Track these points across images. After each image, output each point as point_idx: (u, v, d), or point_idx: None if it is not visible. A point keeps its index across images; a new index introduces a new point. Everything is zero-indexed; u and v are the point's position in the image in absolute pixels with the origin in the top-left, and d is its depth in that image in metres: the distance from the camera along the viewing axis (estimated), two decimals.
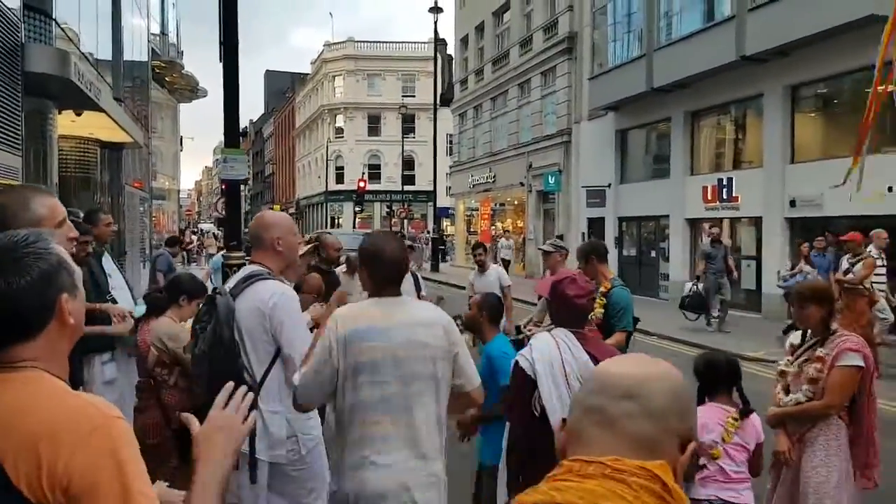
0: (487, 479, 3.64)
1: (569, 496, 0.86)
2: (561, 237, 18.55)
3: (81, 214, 5.28)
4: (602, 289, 4.62)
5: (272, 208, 69.97)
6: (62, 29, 8.86)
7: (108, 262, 5.05)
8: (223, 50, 6.06)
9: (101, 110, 9.30)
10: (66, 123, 9.84)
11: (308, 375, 2.48)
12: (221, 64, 6.19)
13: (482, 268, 7.40)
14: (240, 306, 2.82)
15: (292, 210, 62.20)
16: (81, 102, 8.79)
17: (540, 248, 6.22)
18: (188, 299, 4.12)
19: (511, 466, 2.90)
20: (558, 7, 22.07)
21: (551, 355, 2.79)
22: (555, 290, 2.97)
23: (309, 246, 5.71)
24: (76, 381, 4.27)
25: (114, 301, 4.91)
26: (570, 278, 3.00)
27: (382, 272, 2.52)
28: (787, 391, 3.35)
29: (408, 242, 7.23)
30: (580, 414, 1.00)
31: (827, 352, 3.20)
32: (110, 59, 12.55)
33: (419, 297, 6.55)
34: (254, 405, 2.75)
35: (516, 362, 2.90)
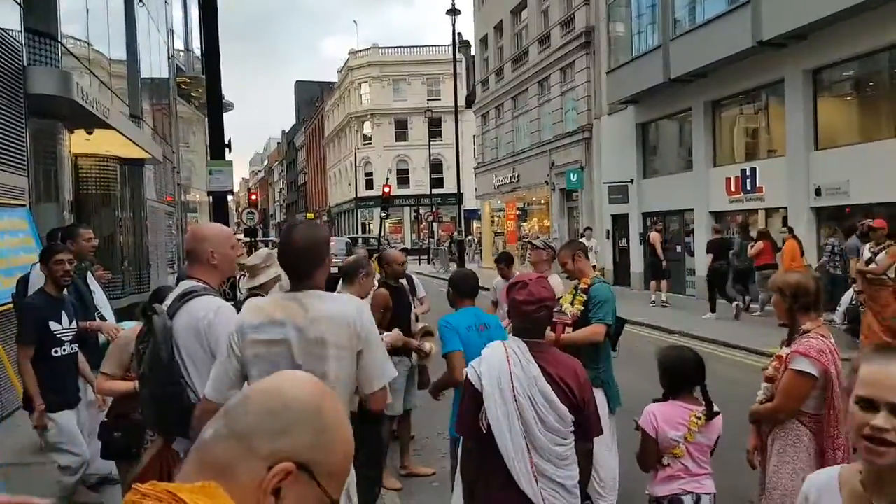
0: (454, 450, 3.65)
1: None
2: (589, 229, 18.32)
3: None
4: (582, 285, 4.52)
5: (306, 216, 71.00)
6: (69, 51, 9.08)
7: (91, 279, 5.12)
8: (204, 61, 6.13)
9: (112, 128, 9.50)
10: (82, 143, 10.10)
11: (215, 367, 2.45)
12: (204, 76, 6.26)
13: (506, 278, 6.79)
14: (177, 325, 2.76)
15: (324, 217, 62.93)
16: (90, 121, 8.99)
17: (529, 242, 6.07)
18: None
19: (464, 480, 2.80)
20: (574, 1, 21.83)
21: (500, 369, 2.63)
22: (508, 294, 2.82)
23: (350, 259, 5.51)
24: (72, 399, 4.35)
25: (102, 318, 4.99)
26: (522, 282, 2.78)
27: (288, 266, 2.46)
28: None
29: (399, 246, 7.05)
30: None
31: (788, 351, 3.00)
32: (125, 78, 12.83)
33: (415, 299, 6.49)
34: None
35: (466, 375, 2.78)
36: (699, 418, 2.98)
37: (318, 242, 2.52)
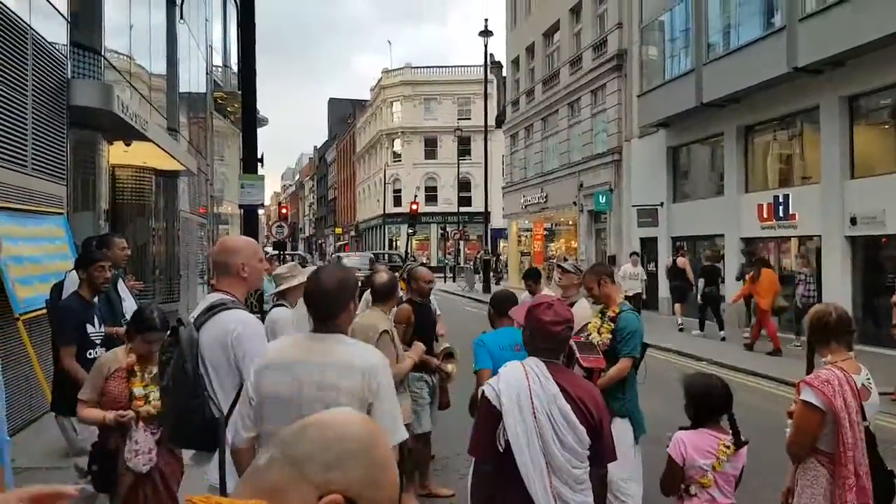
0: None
1: None
2: (635, 254, 18.13)
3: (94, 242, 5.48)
4: (610, 313, 4.46)
5: (335, 231, 71.27)
6: (112, 64, 9.35)
7: (122, 287, 5.23)
8: (240, 78, 6.26)
9: (149, 140, 9.73)
10: (120, 154, 10.35)
11: (238, 408, 2.45)
12: (240, 92, 6.39)
13: (533, 294, 6.82)
14: (203, 338, 2.76)
15: (352, 233, 63.38)
16: (129, 133, 9.22)
17: (559, 266, 6.01)
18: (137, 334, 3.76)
19: (476, 503, 2.77)
20: (607, 25, 21.87)
21: (519, 386, 2.62)
22: (530, 315, 2.80)
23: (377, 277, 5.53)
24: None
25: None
26: (546, 303, 2.80)
27: (312, 307, 2.44)
28: None
29: (422, 261, 7.04)
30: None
31: None
32: (164, 91, 13.15)
33: (433, 321, 6.48)
34: (220, 437, 2.78)
35: (483, 392, 2.76)
36: (728, 447, 2.93)
37: (346, 285, 2.48)
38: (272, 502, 0.89)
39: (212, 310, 2.81)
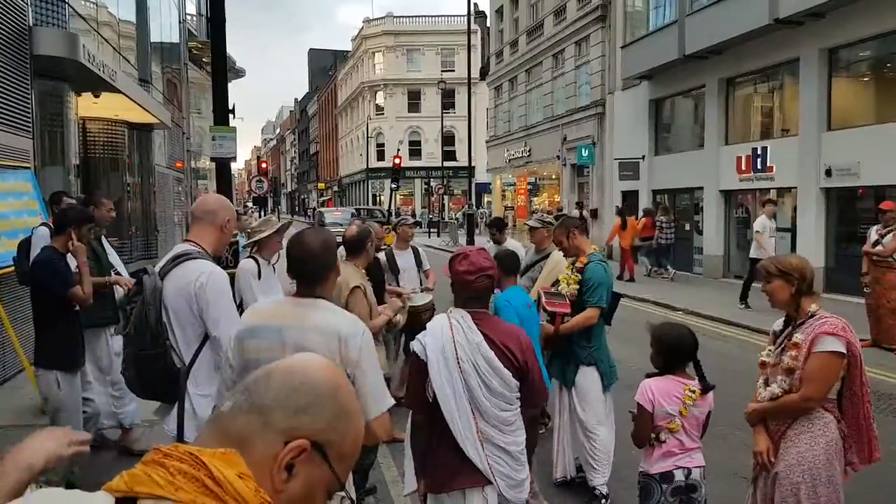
0: None
1: (120, 482, 0.83)
2: (595, 212, 18.24)
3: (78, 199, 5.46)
4: (578, 264, 4.49)
5: (318, 187, 70.55)
6: (77, 12, 9.05)
7: (105, 243, 5.30)
8: (209, 25, 6.07)
9: (119, 91, 9.49)
10: (90, 106, 10.10)
11: (220, 378, 2.45)
12: (210, 40, 6.21)
13: (498, 243, 6.99)
14: (167, 286, 2.76)
15: (335, 188, 62.88)
16: (97, 84, 8.98)
17: (526, 224, 6.05)
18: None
19: (415, 453, 2.84)
20: None
21: (444, 338, 2.70)
22: (450, 267, 2.84)
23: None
24: (81, 360, 4.41)
25: (118, 274, 5.15)
26: (463, 254, 2.83)
27: (297, 271, 2.41)
28: (767, 384, 3.03)
29: (410, 220, 7.05)
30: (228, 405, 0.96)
31: (803, 337, 2.86)
32: (134, 40, 12.78)
33: (421, 271, 6.55)
34: (182, 387, 2.78)
35: (412, 347, 2.82)
36: (693, 392, 3.00)
37: (329, 247, 2.44)
38: (238, 450, 0.88)
39: (177, 259, 2.81)
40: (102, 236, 5.46)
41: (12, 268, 5.61)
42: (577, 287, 4.42)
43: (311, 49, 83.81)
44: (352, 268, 4.48)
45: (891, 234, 8.24)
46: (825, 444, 2.86)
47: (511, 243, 6.85)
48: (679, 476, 3.01)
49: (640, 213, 16.62)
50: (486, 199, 40.45)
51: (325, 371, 0.98)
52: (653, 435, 3.03)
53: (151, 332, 2.74)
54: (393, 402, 2.40)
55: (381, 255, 6.07)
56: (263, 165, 29.22)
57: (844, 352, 2.81)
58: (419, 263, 6.58)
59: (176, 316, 2.78)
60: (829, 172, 12.33)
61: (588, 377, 4.44)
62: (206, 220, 2.91)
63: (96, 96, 9.65)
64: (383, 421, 2.32)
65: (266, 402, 0.91)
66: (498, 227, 6.91)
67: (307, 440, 0.91)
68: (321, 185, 67.62)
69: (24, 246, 5.12)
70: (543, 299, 4.27)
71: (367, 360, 2.29)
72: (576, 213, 18.40)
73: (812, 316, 2.89)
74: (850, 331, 2.86)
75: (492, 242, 6.94)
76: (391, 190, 33.23)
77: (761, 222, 10.95)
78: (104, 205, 5.43)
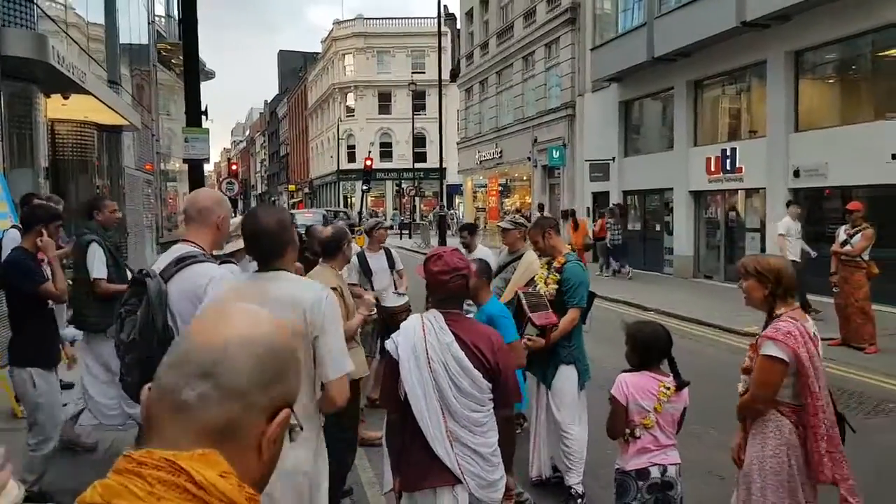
0: None
1: (94, 494, 0.77)
2: (574, 212, 18.35)
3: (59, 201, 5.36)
4: (556, 264, 4.53)
5: (288, 188, 69.82)
6: (45, 13, 8.87)
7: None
8: (181, 27, 6.02)
9: (88, 93, 9.34)
10: (59, 108, 9.91)
11: None
12: (181, 42, 6.16)
13: (468, 249, 6.83)
14: (172, 290, 2.70)
15: (306, 190, 62.39)
16: (66, 86, 8.82)
17: (498, 225, 6.06)
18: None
19: (390, 452, 2.87)
20: None
21: (415, 338, 2.72)
22: (424, 268, 2.86)
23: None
24: (56, 359, 4.33)
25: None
26: (437, 255, 2.84)
27: (255, 249, 2.43)
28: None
29: (387, 223, 7.01)
30: (156, 394, 0.87)
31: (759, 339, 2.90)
32: (103, 42, 12.56)
33: (394, 272, 6.52)
34: None
35: (387, 346, 2.84)
36: (668, 388, 3.05)
37: (284, 223, 2.45)
38: (222, 441, 0.84)
39: (181, 262, 2.74)
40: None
41: None
42: (557, 287, 4.46)
43: (281, 50, 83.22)
44: (328, 269, 4.44)
45: (859, 234, 8.44)
46: (774, 448, 2.87)
47: (482, 250, 6.68)
48: (655, 473, 3.03)
49: (597, 215, 18.18)
50: (457, 200, 40.52)
51: (274, 329, 0.92)
52: (627, 430, 3.05)
53: (159, 337, 2.64)
54: (352, 366, 2.45)
55: (353, 258, 6.03)
56: (234, 167, 28.92)
57: (785, 358, 2.79)
58: (391, 265, 6.52)
59: (182, 319, 2.71)
60: (797, 173, 12.64)
61: (566, 376, 4.46)
62: (201, 219, 2.85)
63: (65, 98, 9.48)
64: (342, 384, 2.37)
65: (242, 386, 0.85)
66: (470, 231, 6.75)
67: (286, 405, 0.89)
68: (292, 187, 67.04)
69: None
70: (529, 314, 4.19)
71: (331, 322, 2.35)
72: (537, 214, 18.61)
73: (776, 317, 2.91)
74: (800, 339, 2.79)
75: (463, 248, 6.64)
76: (362, 192, 33.08)
77: (785, 224, 10.26)
78: (107, 207, 5.27)
